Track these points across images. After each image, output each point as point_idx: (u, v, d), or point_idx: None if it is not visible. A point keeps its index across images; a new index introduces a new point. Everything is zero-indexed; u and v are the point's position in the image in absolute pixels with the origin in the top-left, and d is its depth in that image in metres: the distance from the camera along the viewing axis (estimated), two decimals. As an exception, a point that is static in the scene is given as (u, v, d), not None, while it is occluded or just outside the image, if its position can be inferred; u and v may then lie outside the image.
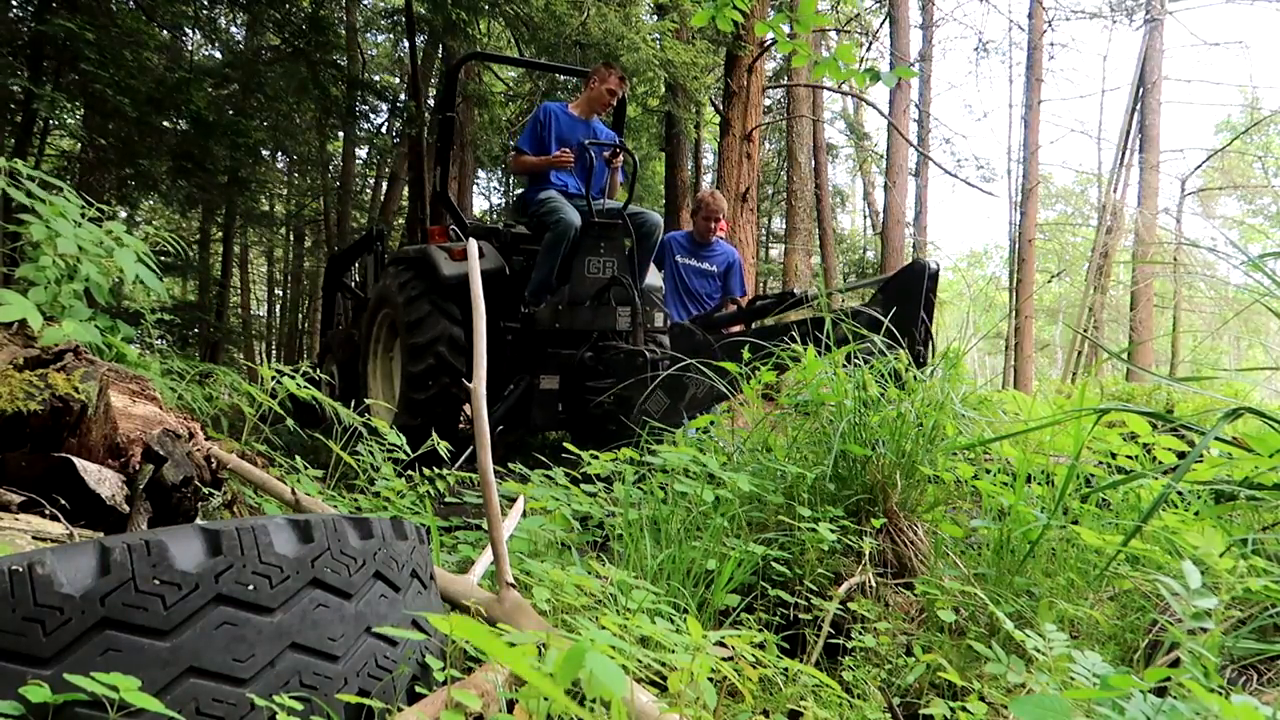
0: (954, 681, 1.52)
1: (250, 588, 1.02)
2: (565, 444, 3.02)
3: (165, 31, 9.46)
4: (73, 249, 2.27)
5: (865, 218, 23.23)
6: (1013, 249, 18.00)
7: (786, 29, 3.37)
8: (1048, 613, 1.80)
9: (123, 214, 10.40)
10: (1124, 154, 17.28)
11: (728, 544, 2.06)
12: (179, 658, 0.95)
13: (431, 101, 11.57)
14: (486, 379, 1.96)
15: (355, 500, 2.52)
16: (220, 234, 15.20)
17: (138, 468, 1.63)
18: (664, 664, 1.30)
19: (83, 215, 2.43)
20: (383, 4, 15.09)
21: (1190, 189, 19.51)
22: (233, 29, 14.00)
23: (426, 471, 2.61)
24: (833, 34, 15.34)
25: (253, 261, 22.01)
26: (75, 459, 1.49)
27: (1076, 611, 1.79)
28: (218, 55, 13.42)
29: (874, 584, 2.06)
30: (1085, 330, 16.59)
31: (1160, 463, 2.41)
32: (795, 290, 4.43)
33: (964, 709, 1.43)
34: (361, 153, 17.20)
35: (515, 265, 4.87)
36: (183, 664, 0.95)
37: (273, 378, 2.55)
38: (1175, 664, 1.47)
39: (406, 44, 11.64)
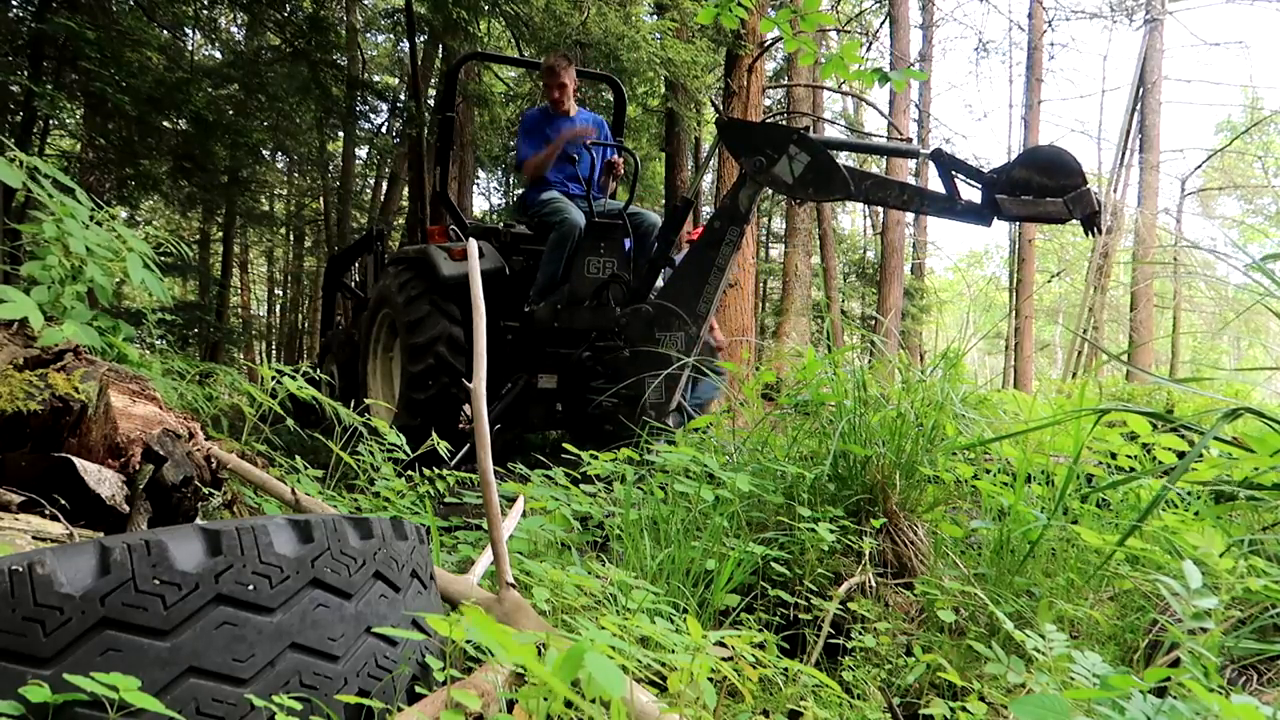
0: (954, 681, 1.52)
1: (250, 588, 1.02)
2: (565, 444, 3.02)
3: (165, 31, 9.45)
4: (82, 250, 2.27)
5: (865, 218, 23.23)
6: (1013, 249, 18.01)
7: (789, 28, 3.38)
8: (1048, 613, 1.80)
9: (123, 214, 10.40)
10: (1124, 154, 17.28)
11: (727, 544, 2.06)
12: (179, 658, 0.95)
13: (431, 101, 11.56)
14: (486, 379, 1.96)
15: (355, 500, 2.52)
16: (220, 234, 15.21)
17: (138, 468, 1.63)
18: (664, 664, 1.30)
19: (90, 217, 2.44)
20: (383, 4, 15.08)
21: (1190, 189, 19.53)
22: (233, 29, 14.00)
23: (426, 471, 2.61)
24: (833, 34, 15.34)
25: (253, 261, 22.02)
26: (75, 459, 1.49)
27: (1076, 611, 1.79)
28: (218, 55, 13.42)
29: (874, 584, 2.06)
30: (1085, 330, 16.59)
31: (1160, 463, 2.41)
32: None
33: (964, 709, 1.43)
34: (361, 153, 17.20)
35: (515, 265, 4.88)
36: (183, 664, 0.95)
37: (273, 378, 2.55)
38: (1175, 664, 1.47)
39: (406, 44, 11.65)
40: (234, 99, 10.45)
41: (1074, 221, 3.42)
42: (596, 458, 2.69)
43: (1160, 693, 1.31)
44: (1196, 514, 2.02)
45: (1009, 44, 23.31)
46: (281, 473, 2.46)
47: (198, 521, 1.66)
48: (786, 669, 1.52)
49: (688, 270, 4.15)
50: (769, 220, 19.94)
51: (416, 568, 1.27)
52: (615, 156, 5.02)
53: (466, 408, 4.57)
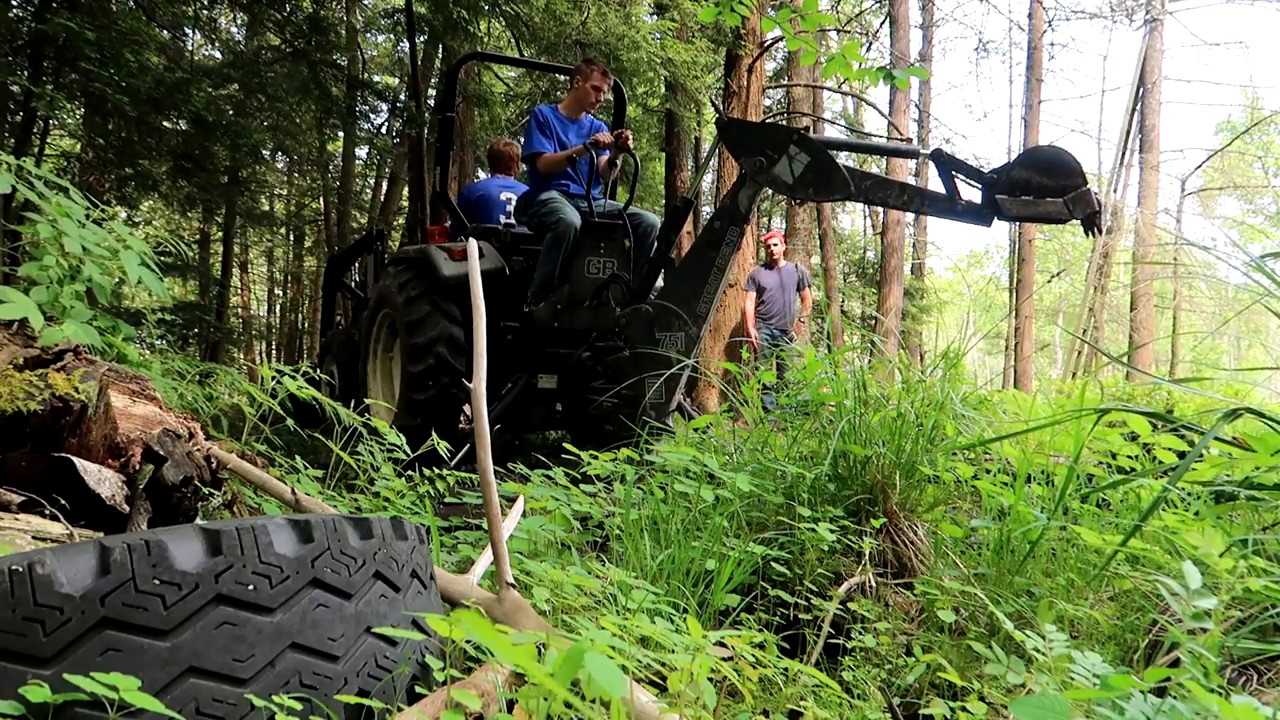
0: (954, 681, 1.52)
1: (250, 588, 1.02)
2: (565, 444, 3.02)
3: (165, 31, 9.45)
4: (78, 249, 2.27)
5: (865, 218, 23.21)
6: (1013, 249, 18.01)
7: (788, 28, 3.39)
8: (1048, 613, 1.80)
9: (122, 214, 10.39)
10: (1124, 154, 17.27)
11: (727, 544, 2.06)
12: (179, 658, 0.95)
13: (431, 101, 11.55)
14: (486, 379, 1.96)
15: (355, 500, 2.52)
16: (220, 234, 15.20)
17: (138, 468, 1.63)
18: (664, 664, 1.30)
19: (86, 216, 2.44)
20: (383, 4, 15.08)
21: (1190, 189, 19.53)
22: (233, 29, 14.00)
23: (426, 471, 2.61)
24: (833, 34, 15.34)
25: (253, 261, 22.02)
26: (75, 459, 1.49)
27: (1076, 611, 1.79)
28: (218, 55, 13.42)
29: (874, 584, 2.06)
30: (1085, 331, 16.59)
31: (1160, 463, 2.41)
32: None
33: (964, 709, 1.43)
34: (361, 153, 17.19)
35: (515, 265, 4.88)
36: (183, 664, 0.95)
37: (273, 378, 2.55)
38: (1175, 664, 1.47)
39: (406, 44, 11.64)
40: (234, 99, 10.45)
41: (1074, 221, 3.43)
42: (596, 458, 2.69)
43: (1160, 693, 1.31)
44: (1196, 514, 2.01)
45: (1009, 44, 23.36)
46: (281, 473, 2.46)
47: (198, 521, 1.66)
48: (786, 669, 1.52)
49: (687, 271, 4.15)
50: (769, 220, 19.93)
51: (416, 568, 1.27)
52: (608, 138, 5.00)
53: (466, 408, 4.58)
